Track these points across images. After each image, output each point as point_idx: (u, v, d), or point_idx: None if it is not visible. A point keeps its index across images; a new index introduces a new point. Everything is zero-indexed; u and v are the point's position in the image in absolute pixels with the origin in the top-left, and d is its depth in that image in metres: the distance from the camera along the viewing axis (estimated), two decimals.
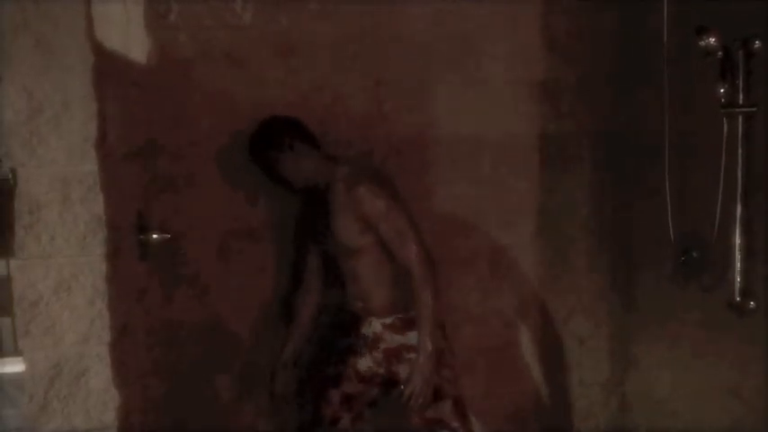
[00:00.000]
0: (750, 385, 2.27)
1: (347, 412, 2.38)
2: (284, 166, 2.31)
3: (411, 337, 2.29)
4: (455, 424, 2.31)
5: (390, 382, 2.37)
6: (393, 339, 2.34)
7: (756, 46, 1.99)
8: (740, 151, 2.04)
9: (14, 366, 2.29)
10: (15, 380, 2.27)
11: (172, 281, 2.50)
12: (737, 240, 2.07)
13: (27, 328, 1.73)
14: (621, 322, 2.88)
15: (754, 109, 2.02)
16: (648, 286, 2.72)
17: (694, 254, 2.35)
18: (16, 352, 1.82)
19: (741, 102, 2.02)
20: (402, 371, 2.32)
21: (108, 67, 1.90)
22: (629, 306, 2.85)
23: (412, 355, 2.28)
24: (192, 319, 2.54)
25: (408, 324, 2.31)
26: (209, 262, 2.54)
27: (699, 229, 2.28)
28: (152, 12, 2.39)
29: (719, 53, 2.04)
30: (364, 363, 2.39)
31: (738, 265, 2.07)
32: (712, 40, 2.04)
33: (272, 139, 2.31)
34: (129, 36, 2.28)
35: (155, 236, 2.19)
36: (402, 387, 2.24)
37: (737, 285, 2.07)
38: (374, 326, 2.35)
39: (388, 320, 2.33)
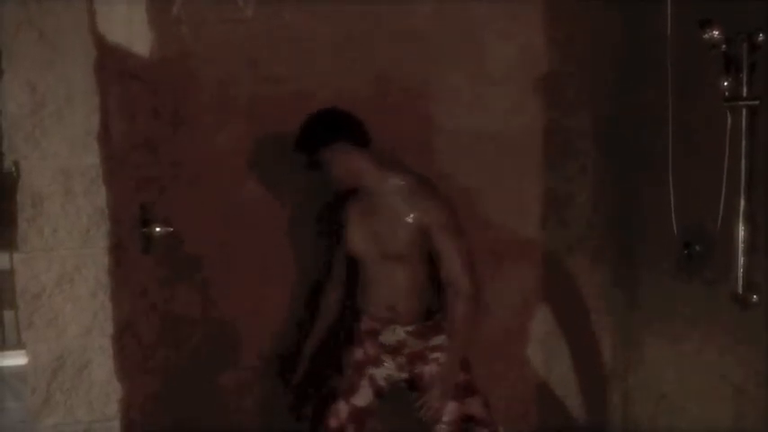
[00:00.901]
0: (754, 379, 2.26)
1: (352, 424, 2.34)
2: (328, 161, 2.21)
3: (434, 341, 2.33)
4: (488, 420, 2.31)
5: (414, 385, 2.35)
6: (416, 344, 2.34)
7: (760, 39, 1.97)
8: (743, 144, 2.02)
9: (18, 359, 2.30)
10: (19, 372, 2.28)
11: (175, 274, 2.51)
12: (741, 234, 2.06)
13: (30, 320, 1.75)
14: (624, 316, 2.88)
15: (757, 102, 2.01)
16: (651, 280, 2.72)
17: (697, 247, 2.34)
18: (20, 345, 1.83)
19: (745, 95, 2.01)
20: (427, 372, 2.32)
21: (110, 61, 1.91)
22: (633, 300, 2.84)
23: (436, 355, 2.30)
24: (194, 312, 2.55)
25: (431, 330, 2.33)
26: (212, 256, 2.55)
27: (702, 223, 2.28)
28: (154, 6, 2.39)
29: (723, 46, 2.03)
30: (383, 372, 2.36)
31: (741, 258, 2.06)
32: (716, 33, 2.03)
33: (321, 132, 2.21)
34: (131, 30, 2.29)
35: (158, 229, 2.20)
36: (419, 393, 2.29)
37: (740, 279, 2.06)
38: (398, 333, 2.33)
39: (411, 328, 2.33)
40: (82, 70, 1.74)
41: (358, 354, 2.37)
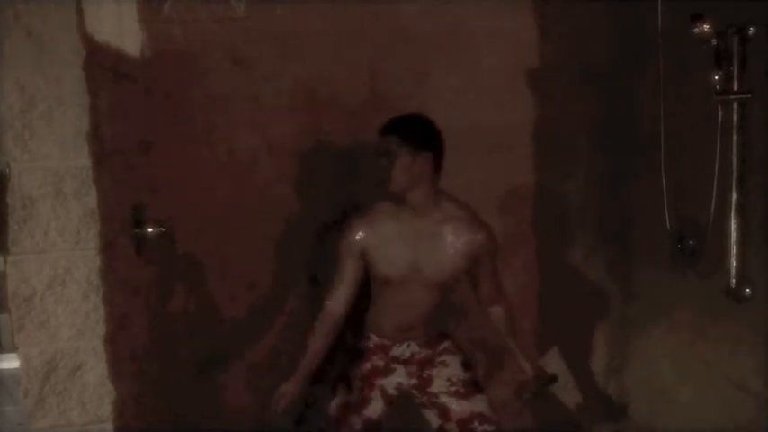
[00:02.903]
0: (749, 371, 2.27)
1: None
2: (409, 163, 2.13)
3: (441, 345, 2.39)
4: (493, 417, 2.31)
5: (424, 388, 2.36)
6: (426, 352, 2.37)
7: (751, 32, 1.98)
8: (735, 138, 2.03)
9: (14, 362, 2.29)
10: (15, 375, 2.27)
11: (168, 275, 2.50)
12: (733, 227, 2.07)
13: (21, 323, 1.73)
14: (619, 310, 2.89)
15: (748, 96, 2.01)
16: (645, 274, 2.72)
17: (691, 241, 2.34)
18: (15, 348, 1.82)
19: (736, 89, 2.02)
20: (435, 374, 2.34)
21: (101, 61, 1.90)
22: (627, 294, 2.85)
23: (444, 357, 2.35)
24: (188, 312, 2.54)
25: (439, 337, 2.40)
26: (205, 256, 2.55)
27: (695, 217, 2.28)
28: (145, 5, 2.38)
29: (714, 40, 2.03)
30: (393, 381, 2.36)
31: (734, 252, 2.07)
32: (706, 27, 2.03)
33: (424, 135, 2.16)
34: (122, 29, 2.27)
35: (150, 230, 2.19)
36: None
37: (733, 272, 2.07)
38: (412, 347, 2.36)
39: (424, 340, 2.37)
40: (71, 70, 1.73)
41: (365, 367, 2.35)
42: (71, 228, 1.74)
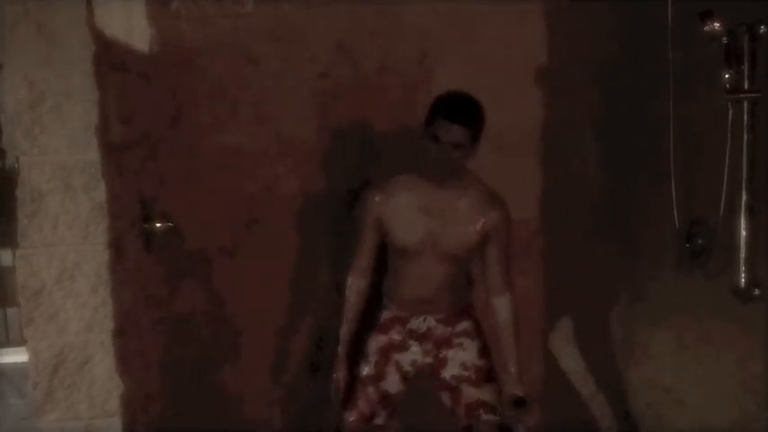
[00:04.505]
0: (755, 372, 2.26)
1: (384, 409, 2.35)
2: (459, 143, 2.11)
3: (460, 326, 2.37)
4: (498, 409, 2.32)
5: (435, 370, 2.37)
6: (444, 330, 2.37)
7: (761, 31, 1.96)
8: (745, 137, 2.01)
9: (19, 356, 2.30)
10: (21, 369, 2.28)
11: (176, 270, 2.50)
12: (742, 227, 2.05)
13: (30, 316, 1.74)
14: (627, 310, 2.88)
15: (758, 94, 1.99)
16: (654, 273, 2.71)
17: (699, 241, 2.33)
18: (23, 341, 1.83)
19: (746, 87, 2.00)
20: (451, 355, 2.34)
21: (109, 56, 1.90)
22: (635, 293, 2.84)
23: (461, 339, 2.35)
24: (196, 307, 2.55)
25: (459, 316, 2.38)
26: (213, 251, 2.55)
27: (704, 216, 2.27)
28: (154, 1, 2.39)
29: (724, 38, 2.02)
30: (408, 357, 2.37)
31: (743, 252, 2.06)
32: (717, 25, 2.02)
33: (481, 120, 2.16)
34: (130, 25, 2.28)
35: (158, 225, 2.20)
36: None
37: (742, 272, 2.06)
38: (428, 321, 2.36)
39: (442, 316, 2.37)
40: (81, 65, 1.74)
41: (383, 340, 2.38)
42: (80, 222, 1.75)
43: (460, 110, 2.14)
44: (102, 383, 1.80)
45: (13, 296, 1.92)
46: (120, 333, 1.83)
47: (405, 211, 2.25)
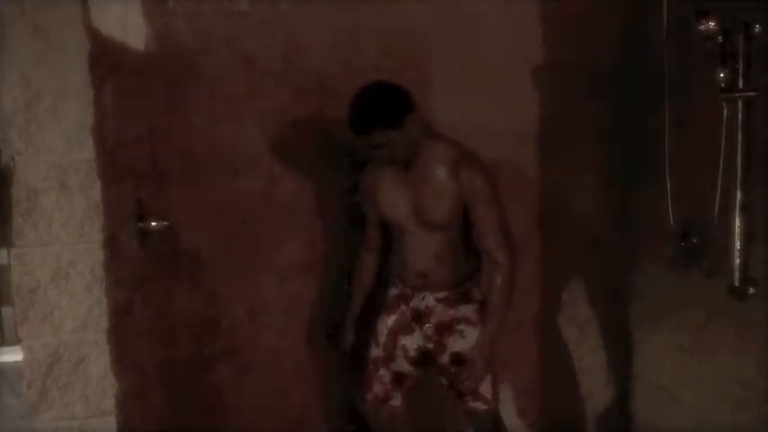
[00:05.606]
0: (751, 370, 2.26)
1: (398, 391, 2.40)
2: (392, 140, 2.14)
3: (462, 311, 2.34)
4: (488, 397, 2.34)
5: (436, 358, 2.37)
6: (445, 313, 2.34)
7: (756, 30, 1.97)
8: (740, 136, 2.02)
9: (16, 355, 2.30)
10: (17, 368, 2.28)
11: (171, 268, 2.50)
12: (737, 225, 2.06)
13: (25, 315, 1.74)
14: (622, 307, 2.88)
15: (753, 93, 2.00)
16: (649, 271, 2.72)
17: (694, 239, 2.34)
18: (18, 340, 1.83)
19: (741, 86, 2.01)
20: (452, 342, 2.33)
21: (105, 55, 1.90)
22: (630, 291, 2.84)
23: (462, 326, 2.33)
24: (191, 306, 2.55)
25: (460, 298, 2.35)
26: (209, 250, 2.55)
27: (699, 215, 2.27)
28: None
29: (719, 38, 2.02)
30: (413, 341, 2.38)
31: (738, 250, 2.06)
32: (712, 24, 2.02)
33: (385, 114, 2.13)
34: (126, 23, 2.27)
35: (153, 223, 2.19)
36: (455, 367, 2.32)
37: (737, 270, 2.06)
38: (427, 300, 2.35)
39: (442, 295, 2.34)
40: (76, 64, 1.74)
41: (390, 321, 2.40)
42: (75, 221, 1.75)
43: (357, 120, 2.14)
44: (97, 382, 1.80)
45: (8, 295, 1.91)
46: (114, 332, 1.82)
47: (387, 185, 2.32)
